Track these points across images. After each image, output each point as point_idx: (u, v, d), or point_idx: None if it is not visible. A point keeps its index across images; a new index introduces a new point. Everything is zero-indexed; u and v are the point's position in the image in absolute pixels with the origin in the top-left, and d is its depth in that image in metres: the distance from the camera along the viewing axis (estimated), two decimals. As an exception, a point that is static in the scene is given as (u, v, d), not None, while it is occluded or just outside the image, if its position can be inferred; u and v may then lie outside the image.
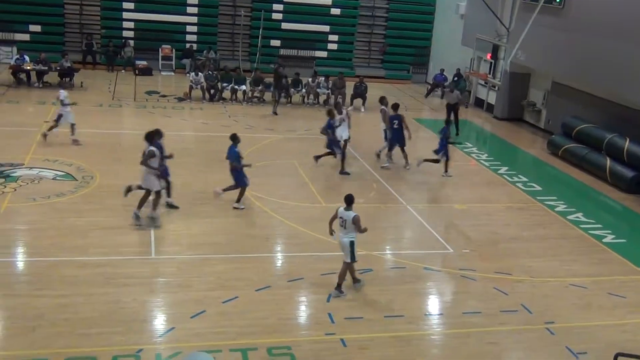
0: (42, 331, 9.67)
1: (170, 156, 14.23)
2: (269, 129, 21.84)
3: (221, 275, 11.86)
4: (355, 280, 11.76)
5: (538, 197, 17.63)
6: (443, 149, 18.29)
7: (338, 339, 10.12)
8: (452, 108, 23.28)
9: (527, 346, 10.49)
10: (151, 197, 13.70)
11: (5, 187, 14.99)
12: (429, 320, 11.19)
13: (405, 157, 18.84)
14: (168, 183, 14.50)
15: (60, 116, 18.51)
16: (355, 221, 11.11)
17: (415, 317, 11.08)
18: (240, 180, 14.86)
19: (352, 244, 11.24)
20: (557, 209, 16.86)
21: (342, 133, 18.10)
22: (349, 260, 11.34)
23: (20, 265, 12.05)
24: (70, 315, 10.14)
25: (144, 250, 12.61)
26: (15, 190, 14.88)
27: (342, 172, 17.90)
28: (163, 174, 14.08)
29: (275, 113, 24.05)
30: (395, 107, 18.99)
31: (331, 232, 11.64)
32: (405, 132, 18.70)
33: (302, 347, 9.83)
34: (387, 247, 14.03)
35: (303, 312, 11.11)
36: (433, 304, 11.85)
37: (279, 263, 13.03)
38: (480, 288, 12.28)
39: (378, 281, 12.18)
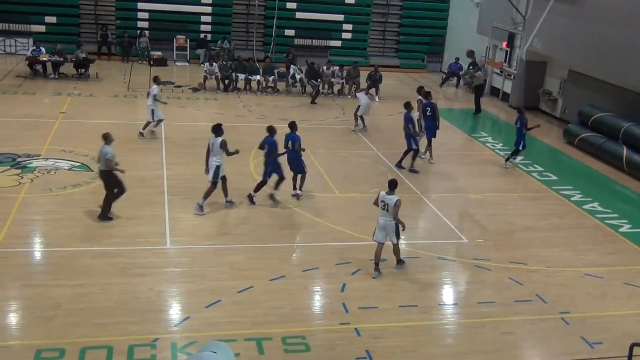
0: (59, 321, 9.79)
1: (236, 152, 14.35)
2: (283, 119, 21.83)
3: (236, 265, 11.93)
4: (400, 262, 12.18)
5: (553, 187, 17.52)
6: (522, 139, 18.20)
7: (352, 329, 10.15)
8: (479, 89, 22.96)
9: (541, 336, 10.46)
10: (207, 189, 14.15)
11: (22, 177, 15.13)
12: (443, 310, 11.19)
13: (431, 150, 18.66)
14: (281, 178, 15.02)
15: (153, 112, 18.90)
16: (396, 204, 11.51)
17: (429, 307, 11.08)
18: (277, 169, 14.77)
19: (396, 225, 11.70)
20: (572, 199, 16.75)
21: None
22: (395, 241, 11.88)
23: (37, 255, 12.18)
24: (87, 305, 10.25)
25: (159, 240, 12.70)
26: (32, 181, 15.02)
27: (412, 169, 17.67)
28: (275, 169, 14.69)
29: (314, 102, 24.53)
30: (427, 94, 18.79)
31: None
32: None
33: (316, 337, 9.88)
34: (402, 236, 13.95)
35: (317, 302, 11.15)
36: (447, 294, 11.84)
37: (293, 253, 13.05)
38: (495, 278, 12.25)
39: (392, 271, 12.18)
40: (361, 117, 21.06)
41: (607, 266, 13.08)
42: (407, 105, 17.82)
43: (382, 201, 11.65)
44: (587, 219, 15.55)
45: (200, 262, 11.96)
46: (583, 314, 11.16)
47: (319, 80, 25.51)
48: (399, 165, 17.71)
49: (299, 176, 15.26)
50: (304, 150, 15.07)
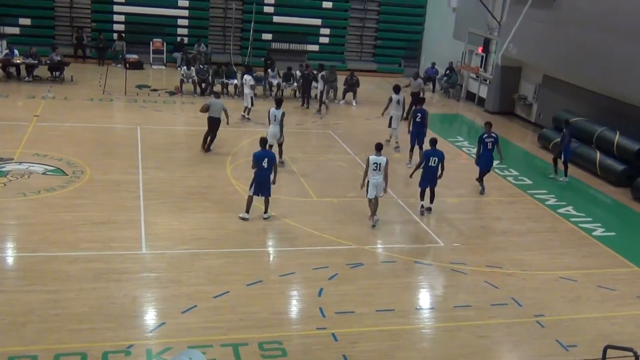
0: (32, 327, 9.64)
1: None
2: (260, 123, 21.80)
3: (212, 270, 11.86)
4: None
5: (529, 191, 17.69)
6: (569, 152, 18.45)
7: (329, 334, 10.14)
8: (416, 97, 22.98)
9: (517, 339, 10.55)
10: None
11: (-5, 182, 14.92)
12: (420, 314, 11.23)
13: (412, 156, 18.69)
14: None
15: (251, 98, 21.86)
16: (387, 163, 14.02)
17: (406, 311, 11.11)
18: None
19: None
20: (547, 203, 16.92)
21: None
22: (382, 195, 14.13)
23: (10, 260, 11.99)
24: (61, 310, 10.11)
25: (134, 245, 12.58)
26: (5, 185, 14.81)
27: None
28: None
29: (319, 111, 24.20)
30: (421, 101, 18.97)
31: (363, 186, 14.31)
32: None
33: (293, 342, 9.85)
34: (378, 241, 14.03)
35: (294, 307, 11.12)
36: (424, 298, 11.89)
37: (270, 258, 13.02)
38: (471, 282, 12.33)
39: (369, 275, 12.21)
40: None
41: (581, 269, 13.24)
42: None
43: (375, 163, 13.89)
44: (562, 223, 15.72)
45: (176, 267, 11.87)
46: (558, 317, 11.27)
47: (294, 82, 25.68)
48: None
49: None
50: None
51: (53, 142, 17.96)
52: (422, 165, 15.32)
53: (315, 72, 25.15)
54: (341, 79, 26.60)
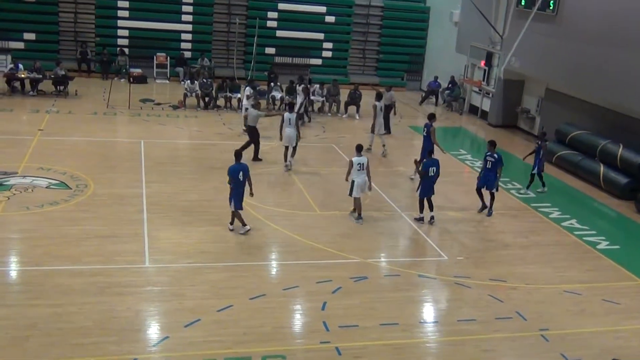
0: (36, 341, 9.62)
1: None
2: (265, 136, 21.84)
3: (215, 283, 11.84)
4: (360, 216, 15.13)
5: (532, 204, 17.67)
6: (542, 164, 18.33)
7: (333, 347, 10.10)
8: (387, 109, 22.90)
9: (522, 353, 10.50)
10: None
11: (-1, 195, 14.95)
12: (424, 328, 11.18)
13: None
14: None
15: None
16: (368, 162, 15.15)
17: (410, 325, 11.07)
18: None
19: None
20: (551, 216, 16.89)
21: None
22: (369, 192, 15.42)
23: (14, 274, 11.99)
24: (64, 324, 10.10)
25: (137, 259, 12.57)
26: (9, 199, 14.83)
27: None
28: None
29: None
30: (431, 117, 18.77)
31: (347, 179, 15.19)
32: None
33: (297, 356, 9.82)
34: (382, 254, 14.03)
35: (298, 321, 11.08)
36: (428, 312, 11.85)
37: (273, 271, 13.00)
38: (475, 295, 12.28)
39: (373, 289, 12.17)
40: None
41: (586, 283, 13.19)
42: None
43: (359, 163, 14.93)
44: (566, 236, 15.68)
45: (179, 280, 11.85)
46: (562, 330, 11.22)
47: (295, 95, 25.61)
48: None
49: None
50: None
51: (57, 155, 18.01)
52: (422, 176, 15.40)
53: (302, 86, 24.53)
54: (344, 92, 26.68)
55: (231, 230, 14.00)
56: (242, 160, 13.95)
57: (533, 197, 18.28)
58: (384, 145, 20.83)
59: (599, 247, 15.13)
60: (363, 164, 14.97)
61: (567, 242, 15.37)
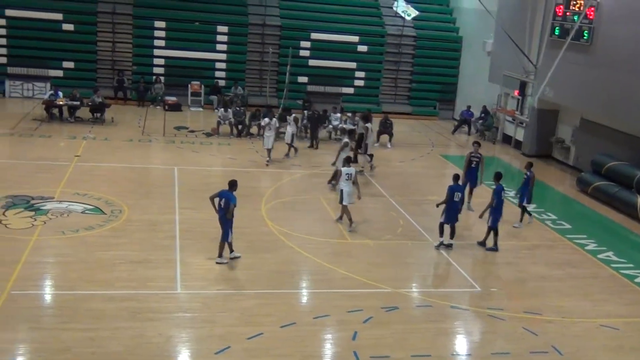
0: (68, 365, 9.69)
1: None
2: (295, 164, 21.92)
3: (246, 311, 11.82)
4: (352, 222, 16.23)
5: (567, 235, 17.36)
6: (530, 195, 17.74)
7: (363, 378, 9.97)
8: (361, 137, 22.61)
9: (557, 389, 10.24)
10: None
11: (36, 220, 15.20)
12: (457, 360, 11.00)
13: (470, 198, 18.62)
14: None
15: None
16: (356, 173, 16.44)
17: (442, 357, 10.90)
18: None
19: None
20: (587, 248, 16.57)
21: None
22: (358, 200, 16.34)
23: (48, 298, 12.14)
24: (96, 349, 10.16)
25: (169, 285, 12.64)
26: (45, 223, 15.08)
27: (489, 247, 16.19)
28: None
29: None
30: (476, 144, 18.72)
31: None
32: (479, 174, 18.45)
33: (327, 386, 9.71)
34: (414, 284, 13.88)
35: (328, 350, 10.99)
36: (460, 344, 11.64)
37: (304, 299, 12.94)
38: (509, 328, 12.05)
39: (404, 319, 12.03)
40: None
41: (624, 317, 12.86)
42: (497, 177, 16.28)
43: (347, 173, 16.09)
44: (602, 269, 15.35)
45: (210, 307, 11.87)
46: (600, 366, 10.94)
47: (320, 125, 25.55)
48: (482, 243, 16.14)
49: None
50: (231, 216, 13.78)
51: (93, 181, 18.30)
52: (446, 201, 15.30)
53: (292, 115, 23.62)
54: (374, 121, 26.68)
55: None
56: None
57: (569, 228, 17.97)
58: (369, 162, 21.89)
59: (636, 280, 14.77)
60: (351, 174, 16.12)
61: (604, 274, 15.04)
